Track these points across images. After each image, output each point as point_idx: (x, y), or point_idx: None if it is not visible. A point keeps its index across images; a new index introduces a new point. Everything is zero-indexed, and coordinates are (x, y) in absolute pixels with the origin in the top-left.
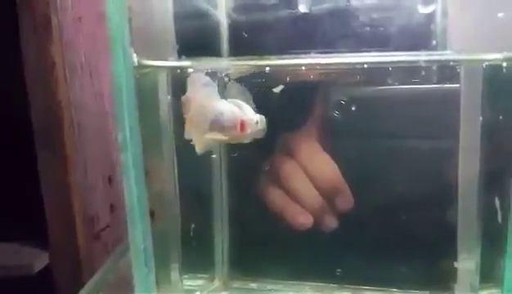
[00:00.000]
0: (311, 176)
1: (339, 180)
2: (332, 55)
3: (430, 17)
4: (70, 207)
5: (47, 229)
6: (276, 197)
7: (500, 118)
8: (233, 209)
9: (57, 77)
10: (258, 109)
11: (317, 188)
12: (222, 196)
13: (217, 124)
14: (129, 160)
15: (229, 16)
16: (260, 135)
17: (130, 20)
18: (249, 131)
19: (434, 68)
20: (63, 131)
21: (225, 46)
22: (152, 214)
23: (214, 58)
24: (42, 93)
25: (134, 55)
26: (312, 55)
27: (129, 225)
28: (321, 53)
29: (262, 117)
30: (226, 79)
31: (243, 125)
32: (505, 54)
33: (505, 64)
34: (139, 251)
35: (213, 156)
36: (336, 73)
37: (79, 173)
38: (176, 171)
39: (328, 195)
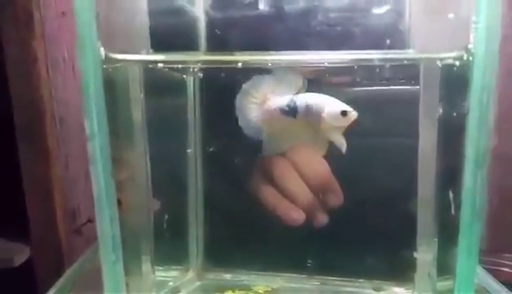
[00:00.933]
0: (302, 174)
1: (329, 177)
2: (299, 52)
3: (398, 18)
4: (52, 201)
5: (29, 223)
6: (268, 194)
7: (454, 114)
8: (208, 202)
9: (39, 71)
10: None
11: (308, 185)
12: (197, 188)
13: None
14: (97, 150)
15: (206, 13)
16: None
17: (98, 15)
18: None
19: (387, 66)
20: (45, 125)
21: (203, 43)
22: (119, 203)
23: (185, 52)
24: (24, 87)
25: (102, 49)
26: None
27: (97, 213)
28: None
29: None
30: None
31: (345, 113)
32: (457, 53)
33: (457, 63)
34: (107, 239)
35: (189, 150)
36: (313, 72)
37: (61, 167)
38: (148, 162)
39: (318, 192)
